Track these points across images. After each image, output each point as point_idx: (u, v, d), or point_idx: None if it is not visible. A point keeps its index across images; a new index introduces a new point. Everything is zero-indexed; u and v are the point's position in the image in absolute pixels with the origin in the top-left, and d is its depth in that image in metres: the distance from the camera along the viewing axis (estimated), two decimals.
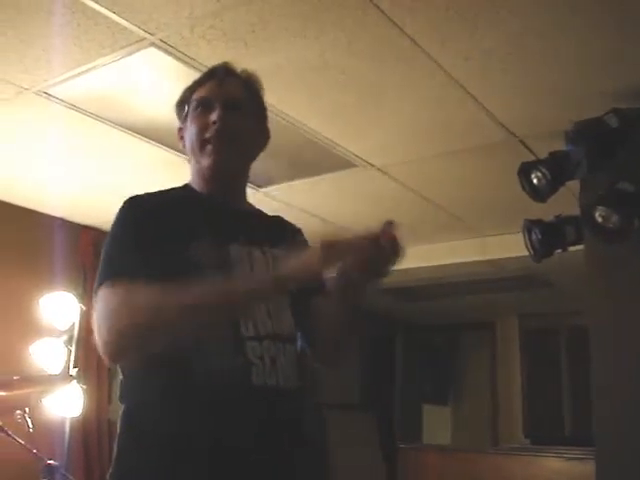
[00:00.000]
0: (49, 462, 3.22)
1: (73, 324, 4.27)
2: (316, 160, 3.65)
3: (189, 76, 1.86)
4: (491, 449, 6.19)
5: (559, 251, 3.14)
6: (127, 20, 2.46)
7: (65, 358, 4.21)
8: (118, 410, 1.51)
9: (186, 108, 1.67)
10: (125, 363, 1.49)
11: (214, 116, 1.59)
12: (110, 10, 2.41)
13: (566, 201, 3.02)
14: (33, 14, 2.42)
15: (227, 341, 1.44)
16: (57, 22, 2.47)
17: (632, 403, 2.76)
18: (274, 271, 1.44)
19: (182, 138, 1.70)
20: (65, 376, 4.03)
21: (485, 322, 7.03)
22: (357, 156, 3.59)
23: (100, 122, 3.27)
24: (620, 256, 2.87)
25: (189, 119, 1.65)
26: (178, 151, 3.20)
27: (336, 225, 4.70)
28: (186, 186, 1.69)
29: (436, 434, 7.24)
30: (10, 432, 3.20)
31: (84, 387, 4.21)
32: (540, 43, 2.56)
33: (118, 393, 1.53)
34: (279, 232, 1.71)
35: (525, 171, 2.96)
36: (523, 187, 2.98)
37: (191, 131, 1.63)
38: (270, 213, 1.79)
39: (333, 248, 1.35)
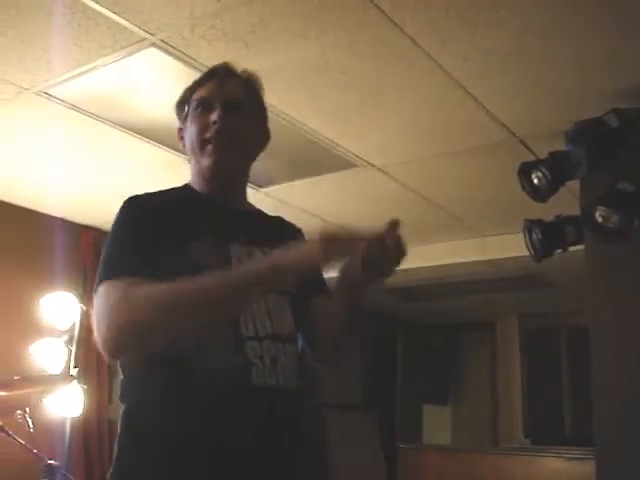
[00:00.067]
0: (50, 462, 3.22)
1: (73, 324, 4.27)
2: (316, 160, 3.65)
3: (189, 76, 1.86)
4: (491, 449, 6.19)
5: (559, 251, 3.14)
6: (128, 20, 2.47)
7: (65, 358, 4.21)
8: (119, 410, 1.51)
9: (186, 108, 1.67)
10: (124, 360, 1.48)
11: (214, 116, 1.59)
12: (111, 10, 2.41)
13: (566, 201, 3.02)
14: (33, 14, 2.42)
15: (227, 341, 1.44)
16: (57, 22, 2.47)
17: (632, 403, 2.76)
18: (273, 259, 1.42)
19: (182, 138, 1.70)
20: (65, 376, 4.03)
21: (485, 322, 7.03)
22: (357, 156, 3.59)
23: (100, 122, 3.27)
24: (620, 256, 2.87)
25: (189, 119, 1.65)
26: (178, 151, 3.20)
27: (337, 225, 4.70)
28: (186, 186, 1.69)
29: (436, 434, 7.23)
30: (11, 432, 3.21)
31: (84, 387, 4.21)
32: (540, 43, 2.56)
33: (119, 393, 1.53)
34: (280, 232, 1.71)
35: (525, 171, 2.97)
36: (523, 187, 2.98)
37: (191, 131, 1.63)
38: (270, 213, 1.79)
39: (333, 241, 1.35)
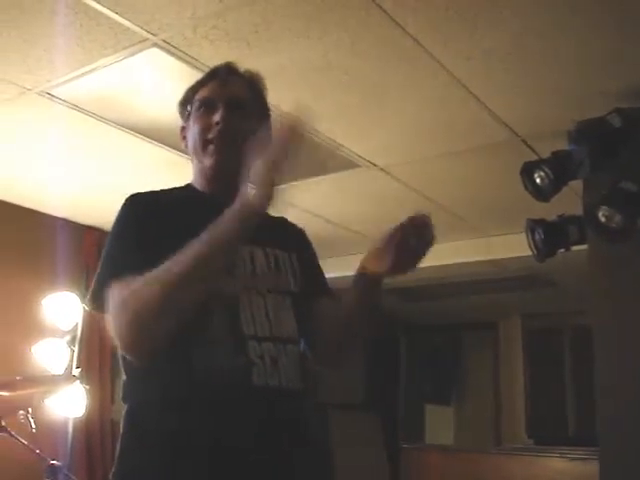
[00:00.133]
0: (52, 462, 3.22)
1: (76, 324, 4.28)
2: (319, 160, 3.64)
3: (192, 76, 1.87)
4: (494, 449, 6.18)
5: (562, 251, 3.13)
6: (130, 21, 2.47)
7: (68, 358, 4.21)
8: (121, 410, 1.51)
9: (189, 108, 1.67)
10: (145, 356, 1.43)
11: (217, 117, 1.59)
12: (113, 11, 2.41)
13: (569, 201, 3.02)
14: (36, 14, 2.43)
15: (228, 340, 1.44)
16: (60, 22, 2.47)
17: (636, 403, 2.76)
18: (234, 209, 1.37)
19: (184, 138, 1.70)
20: (68, 376, 4.03)
21: (488, 322, 7.02)
22: (360, 156, 3.59)
23: (103, 122, 3.27)
24: (623, 256, 2.87)
25: (192, 119, 1.65)
26: (180, 151, 3.20)
27: (339, 225, 4.71)
28: (188, 186, 1.69)
29: (439, 434, 7.22)
30: (13, 432, 3.21)
31: (87, 387, 4.22)
32: (540, 43, 2.56)
33: (121, 393, 1.53)
34: (282, 233, 1.71)
35: (528, 171, 2.96)
36: (526, 187, 2.98)
37: (194, 131, 1.63)
38: (273, 214, 1.79)
39: (267, 175, 1.34)
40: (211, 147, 1.59)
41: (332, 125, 3.25)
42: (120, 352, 1.44)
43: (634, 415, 2.75)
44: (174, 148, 3.43)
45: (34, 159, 3.77)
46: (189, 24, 2.48)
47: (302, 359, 1.59)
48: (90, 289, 1.52)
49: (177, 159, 3.51)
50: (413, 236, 1.46)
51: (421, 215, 1.47)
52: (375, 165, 3.70)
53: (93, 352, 4.60)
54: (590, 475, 3.18)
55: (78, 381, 4.05)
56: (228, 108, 1.60)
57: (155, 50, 2.65)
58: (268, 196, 1.35)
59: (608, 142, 2.79)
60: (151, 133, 3.39)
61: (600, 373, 2.90)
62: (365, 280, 1.54)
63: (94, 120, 3.24)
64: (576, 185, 3.04)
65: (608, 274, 2.96)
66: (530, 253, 3.17)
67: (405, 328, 7.49)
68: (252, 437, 1.41)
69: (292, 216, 1.80)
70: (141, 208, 1.55)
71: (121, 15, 2.43)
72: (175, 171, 3.62)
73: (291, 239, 1.72)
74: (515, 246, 4.13)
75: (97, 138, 3.45)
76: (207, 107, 1.62)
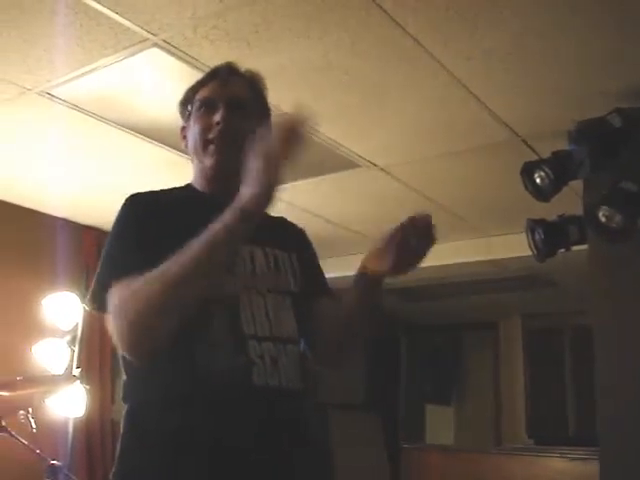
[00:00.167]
0: (52, 462, 3.22)
1: (76, 324, 4.28)
2: (319, 160, 3.64)
3: (192, 76, 1.86)
4: (494, 449, 6.19)
5: (562, 251, 3.13)
6: (130, 21, 2.47)
7: (68, 358, 4.21)
8: (121, 410, 1.51)
9: (189, 108, 1.67)
10: (146, 356, 1.42)
11: (218, 117, 1.59)
12: (113, 11, 2.41)
13: (569, 201, 3.02)
14: (36, 14, 2.43)
15: (229, 340, 1.44)
16: (60, 22, 2.47)
17: (636, 403, 2.76)
18: (235, 208, 1.35)
19: (185, 138, 1.70)
20: (68, 376, 4.03)
21: (488, 322, 7.02)
22: (360, 156, 3.59)
23: (103, 122, 3.27)
24: (623, 256, 2.87)
25: (192, 119, 1.65)
26: (180, 151, 3.20)
27: (339, 225, 4.70)
28: (188, 186, 1.69)
29: (439, 434, 7.22)
30: (13, 432, 3.21)
31: (87, 387, 4.22)
32: (540, 43, 2.56)
33: (121, 393, 1.53)
34: (282, 233, 1.71)
35: (528, 171, 2.96)
36: (526, 187, 2.98)
37: (194, 131, 1.63)
38: (273, 214, 1.79)
39: (270, 169, 1.32)
40: (212, 147, 1.59)
41: (332, 125, 3.25)
42: (120, 352, 1.44)
43: (634, 415, 2.75)
44: (174, 148, 3.44)
45: (34, 159, 3.77)
46: (189, 24, 2.48)
47: (302, 359, 1.59)
48: (90, 289, 1.51)
49: (177, 159, 3.51)
50: (414, 236, 1.46)
51: (423, 215, 1.47)
52: (375, 165, 3.70)
53: (93, 352, 4.60)
54: (590, 475, 3.18)
55: (78, 381, 4.06)
56: (229, 108, 1.60)
57: (155, 50, 2.65)
58: (268, 196, 1.34)
59: (608, 142, 2.79)
60: (151, 133, 3.39)
61: (600, 373, 2.90)
62: (366, 280, 1.55)
63: (94, 120, 3.24)
64: (576, 185, 3.04)
65: (608, 274, 2.96)
66: (530, 253, 3.17)
67: (405, 328, 7.49)
68: (252, 437, 1.41)
69: (292, 216, 1.80)
70: (141, 208, 1.55)
71: (121, 15, 2.43)
72: (175, 171, 3.62)
73: (291, 239, 1.72)
74: (515, 246, 4.13)
75: (97, 138, 3.45)
76: (208, 107, 1.62)
